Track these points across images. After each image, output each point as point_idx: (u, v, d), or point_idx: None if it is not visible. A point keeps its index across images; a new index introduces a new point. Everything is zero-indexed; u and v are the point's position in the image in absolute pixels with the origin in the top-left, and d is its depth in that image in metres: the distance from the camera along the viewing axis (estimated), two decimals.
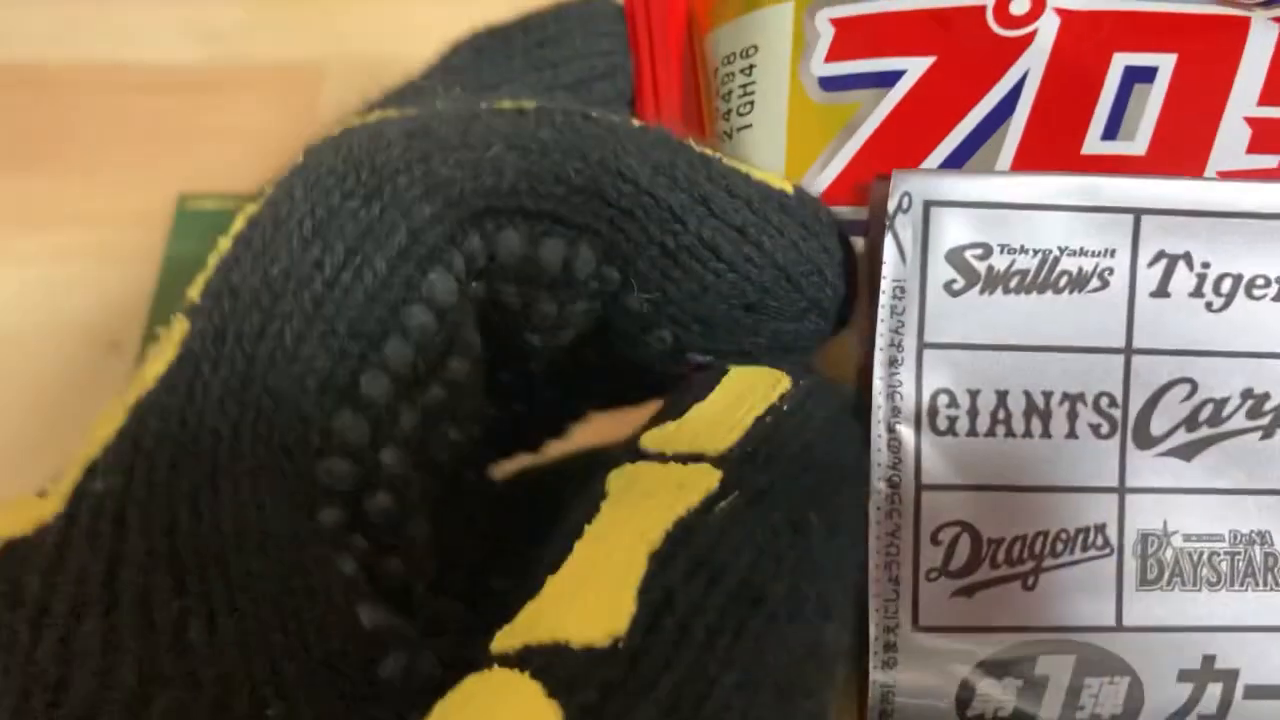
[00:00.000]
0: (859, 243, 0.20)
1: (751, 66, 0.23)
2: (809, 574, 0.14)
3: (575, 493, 0.16)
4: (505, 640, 0.13)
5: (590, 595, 0.13)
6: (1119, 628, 0.20)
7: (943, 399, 0.19)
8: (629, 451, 0.16)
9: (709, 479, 0.15)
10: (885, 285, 0.19)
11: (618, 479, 0.16)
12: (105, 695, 0.13)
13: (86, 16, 0.53)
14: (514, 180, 0.16)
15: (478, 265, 0.17)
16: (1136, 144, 0.21)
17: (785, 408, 0.17)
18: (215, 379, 0.15)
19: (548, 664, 0.12)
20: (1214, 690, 0.20)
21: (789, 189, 0.19)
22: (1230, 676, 0.20)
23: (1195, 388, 0.19)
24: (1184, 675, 0.19)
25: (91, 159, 0.48)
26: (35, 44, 0.52)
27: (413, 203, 0.16)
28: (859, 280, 0.20)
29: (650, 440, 0.16)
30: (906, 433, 0.19)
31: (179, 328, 0.16)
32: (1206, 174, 0.21)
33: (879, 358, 0.19)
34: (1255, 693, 0.20)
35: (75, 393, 0.40)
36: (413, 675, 0.14)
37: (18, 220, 0.45)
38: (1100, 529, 0.19)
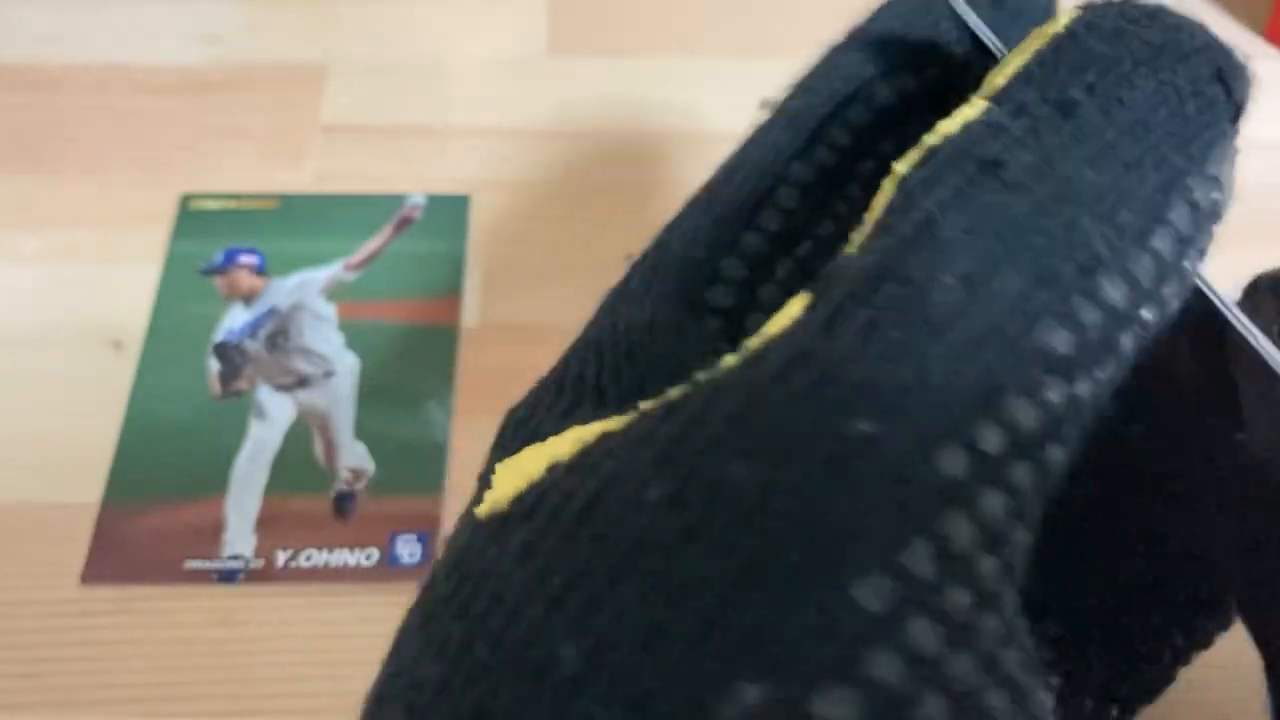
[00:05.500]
0: None
1: None
2: (1059, 152, 0.14)
3: None
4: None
5: None
6: None
7: None
8: None
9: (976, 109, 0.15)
10: None
11: None
12: None
13: (87, 17, 0.53)
14: None
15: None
16: None
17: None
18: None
19: (828, 272, 0.13)
20: None
21: None
22: None
23: None
24: None
25: (92, 159, 0.48)
26: (35, 44, 0.52)
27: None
28: None
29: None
30: None
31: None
32: None
33: None
34: None
35: (76, 393, 0.40)
36: None
37: (18, 220, 0.45)
38: None
